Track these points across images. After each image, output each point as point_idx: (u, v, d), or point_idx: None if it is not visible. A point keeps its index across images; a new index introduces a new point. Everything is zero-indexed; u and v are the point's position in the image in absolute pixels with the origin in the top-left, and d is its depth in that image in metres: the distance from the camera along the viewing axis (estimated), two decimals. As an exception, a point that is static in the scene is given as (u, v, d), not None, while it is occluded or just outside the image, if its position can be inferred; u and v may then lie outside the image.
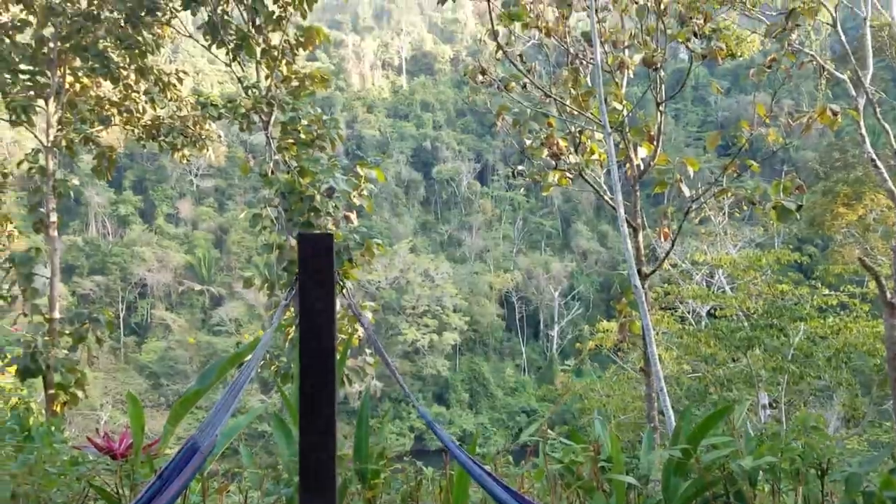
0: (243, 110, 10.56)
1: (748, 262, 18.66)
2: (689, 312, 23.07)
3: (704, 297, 19.91)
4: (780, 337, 15.37)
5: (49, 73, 10.90)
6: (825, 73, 12.95)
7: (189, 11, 10.83)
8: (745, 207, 8.58)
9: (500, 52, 8.61)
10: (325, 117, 10.08)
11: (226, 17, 10.59)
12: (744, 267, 18.79)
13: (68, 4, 10.82)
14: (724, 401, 13.74)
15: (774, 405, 16.79)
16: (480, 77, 9.08)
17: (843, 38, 13.79)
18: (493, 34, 8.33)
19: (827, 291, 17.22)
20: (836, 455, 3.33)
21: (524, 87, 9.12)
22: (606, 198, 8.73)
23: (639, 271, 7.65)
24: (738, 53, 13.44)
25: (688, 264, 24.42)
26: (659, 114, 8.49)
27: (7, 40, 10.71)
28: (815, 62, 12.34)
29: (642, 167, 8.59)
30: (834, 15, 13.96)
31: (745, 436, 3.76)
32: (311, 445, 2.64)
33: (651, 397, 7.62)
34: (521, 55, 9.03)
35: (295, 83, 10.91)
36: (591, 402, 21.14)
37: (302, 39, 10.83)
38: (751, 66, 8.59)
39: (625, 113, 8.55)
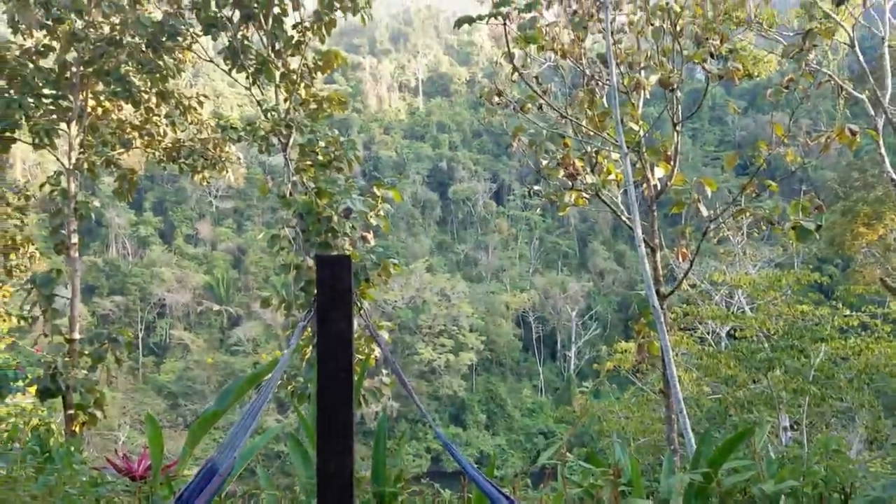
0: (262, 133, 10.69)
1: (768, 283, 18.47)
2: (708, 333, 22.86)
3: (724, 317, 19.72)
4: (800, 358, 15.18)
5: (72, 97, 11.08)
6: (843, 92, 12.90)
7: (210, 36, 11.00)
8: (764, 227, 8.52)
9: (516, 73, 8.65)
10: (342, 139, 10.18)
11: (246, 41, 10.75)
12: (763, 287, 18.61)
13: (91, 30, 11.03)
14: (745, 423, 13.57)
15: (796, 427, 16.55)
16: (496, 98, 9.12)
17: (860, 57, 13.75)
18: (509, 56, 8.38)
19: (848, 312, 16.99)
20: (859, 479, 3.28)
21: (540, 108, 9.15)
22: (624, 218, 8.71)
23: (657, 291, 7.60)
24: (756, 73, 13.44)
25: (707, 284, 24.24)
26: (676, 134, 8.48)
27: (31, 65, 10.92)
28: (832, 82, 12.29)
29: (659, 187, 8.57)
30: (851, 35, 13.92)
31: (767, 459, 3.71)
32: (329, 467, 2.64)
33: (671, 419, 7.54)
34: (536, 77, 9.07)
35: (313, 106, 11.03)
36: (610, 423, 20.93)
37: (320, 63, 10.96)
38: (768, 86, 8.57)
39: (641, 133, 8.55)
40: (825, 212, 7.12)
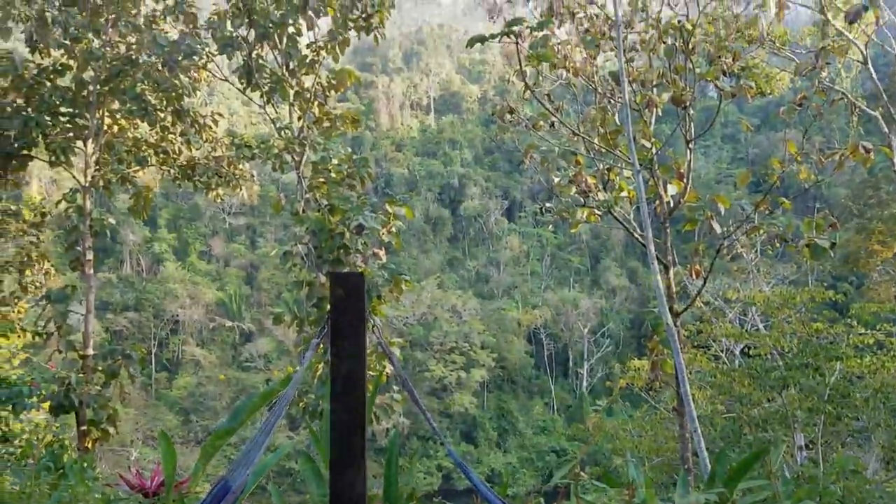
0: (276, 150, 10.78)
1: (782, 300, 18.34)
2: (722, 351, 22.69)
3: (738, 335, 19.57)
4: (815, 377, 15.02)
5: (88, 115, 11.22)
6: (857, 110, 12.86)
7: (225, 55, 11.12)
8: (778, 245, 8.48)
9: (528, 91, 8.69)
10: (354, 156, 10.24)
11: (260, 60, 10.87)
12: (777, 305, 18.47)
13: (108, 49, 11.17)
14: (760, 442, 13.42)
15: (811, 447, 16.34)
16: (508, 116, 9.15)
17: (874, 75, 13.71)
18: (521, 74, 8.42)
19: (863, 330, 16.83)
20: (875, 499, 3.24)
21: (552, 125, 9.18)
22: (636, 235, 8.69)
23: (670, 309, 7.57)
24: (768, 91, 13.41)
25: (720, 302, 24.08)
26: (688, 151, 8.47)
27: (48, 83, 11.06)
28: (846, 100, 12.27)
29: (672, 204, 8.55)
30: (864, 53, 13.90)
31: (782, 479, 3.68)
32: (342, 485, 2.64)
33: (685, 438, 7.48)
34: (548, 94, 9.11)
35: (326, 124, 11.12)
36: (623, 442, 20.75)
37: (334, 82, 11.06)
38: (781, 104, 8.56)
39: (654, 150, 8.55)
40: (839, 229, 7.09)
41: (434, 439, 58.18)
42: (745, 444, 15.19)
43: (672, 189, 8.51)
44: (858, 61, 14.38)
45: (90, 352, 10.70)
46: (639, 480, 3.57)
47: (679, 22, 8.11)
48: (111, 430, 10.20)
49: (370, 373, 8.84)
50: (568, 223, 9.22)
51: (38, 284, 12.44)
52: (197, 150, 12.63)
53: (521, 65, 8.31)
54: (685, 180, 8.41)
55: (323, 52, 10.84)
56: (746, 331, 20.54)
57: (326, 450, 2.77)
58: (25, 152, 10.98)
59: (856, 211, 32.54)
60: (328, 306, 2.74)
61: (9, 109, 10.64)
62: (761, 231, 7.71)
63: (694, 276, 8.64)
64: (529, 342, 78.19)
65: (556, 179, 8.99)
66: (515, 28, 7.86)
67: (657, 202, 8.61)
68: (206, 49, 11.52)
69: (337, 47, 10.70)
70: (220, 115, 13.15)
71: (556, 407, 74.32)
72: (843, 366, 15.62)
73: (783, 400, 15.29)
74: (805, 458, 16.45)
